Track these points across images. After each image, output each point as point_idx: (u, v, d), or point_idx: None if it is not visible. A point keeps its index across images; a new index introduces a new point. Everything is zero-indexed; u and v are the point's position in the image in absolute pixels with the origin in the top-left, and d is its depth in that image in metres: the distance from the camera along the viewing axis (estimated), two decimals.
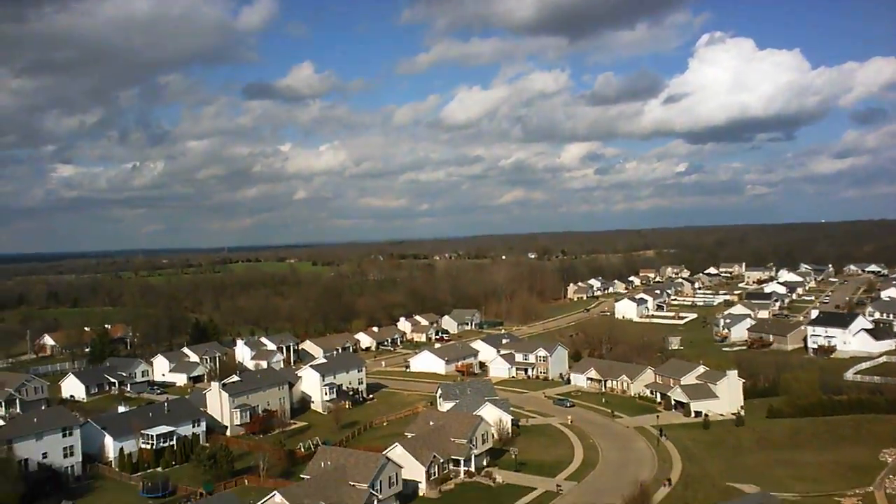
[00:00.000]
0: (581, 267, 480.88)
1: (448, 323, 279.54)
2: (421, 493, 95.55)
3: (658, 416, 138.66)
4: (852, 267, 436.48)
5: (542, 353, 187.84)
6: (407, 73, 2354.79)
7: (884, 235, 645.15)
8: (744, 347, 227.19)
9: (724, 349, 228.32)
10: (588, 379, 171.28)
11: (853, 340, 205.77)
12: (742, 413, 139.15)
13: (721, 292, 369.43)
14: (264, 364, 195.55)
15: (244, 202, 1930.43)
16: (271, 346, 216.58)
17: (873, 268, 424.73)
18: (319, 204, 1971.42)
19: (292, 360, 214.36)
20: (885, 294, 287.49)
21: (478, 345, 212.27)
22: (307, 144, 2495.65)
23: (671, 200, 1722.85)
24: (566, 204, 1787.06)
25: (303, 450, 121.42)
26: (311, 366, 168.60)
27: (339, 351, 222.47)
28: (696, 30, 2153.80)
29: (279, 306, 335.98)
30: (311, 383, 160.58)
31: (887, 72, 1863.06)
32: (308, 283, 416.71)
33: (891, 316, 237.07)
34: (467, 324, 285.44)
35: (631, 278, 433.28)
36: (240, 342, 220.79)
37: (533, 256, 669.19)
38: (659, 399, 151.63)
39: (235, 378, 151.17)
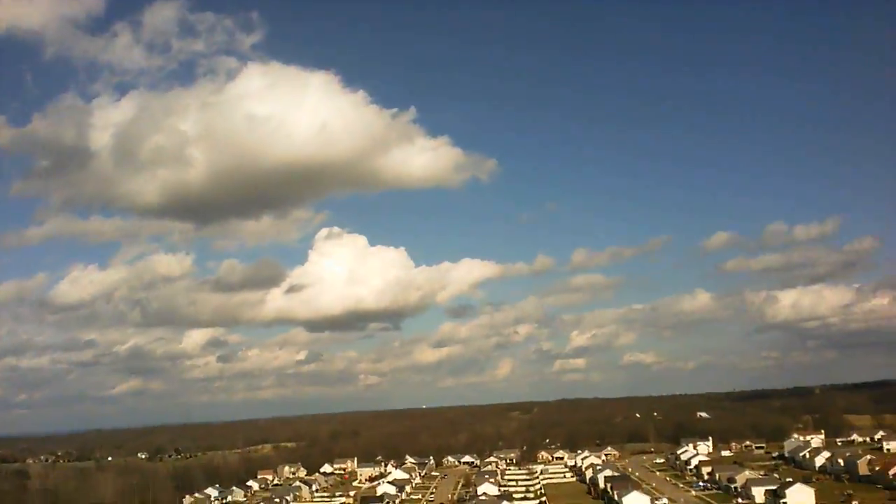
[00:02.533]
0: (196, 470, 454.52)
1: None
2: None
3: None
4: (450, 458, 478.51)
5: None
6: (13, 246, 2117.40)
7: (474, 424, 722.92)
8: None
9: None
10: None
11: None
12: None
13: (337, 494, 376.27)
14: None
15: None
16: None
17: (467, 458, 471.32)
18: None
19: None
20: (481, 490, 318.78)
21: None
22: None
23: (292, 389, 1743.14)
24: (186, 394, 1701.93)
25: None
26: None
27: None
28: (315, 225, 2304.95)
29: None
30: None
31: (475, 272, 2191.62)
32: None
33: None
34: None
35: (249, 483, 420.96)
36: None
37: (143, 457, 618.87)
38: None
39: None
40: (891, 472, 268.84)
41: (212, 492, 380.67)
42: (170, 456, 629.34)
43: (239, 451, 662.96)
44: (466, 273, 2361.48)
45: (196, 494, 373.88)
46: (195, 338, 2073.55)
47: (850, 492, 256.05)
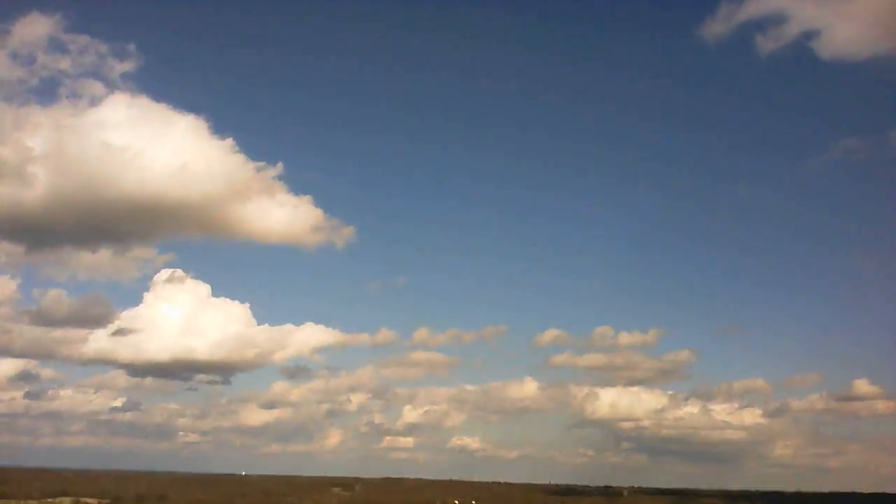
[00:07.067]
0: None
1: None
2: None
3: None
4: None
5: None
6: None
7: (292, 498, 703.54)
8: None
9: None
10: None
11: None
12: None
13: None
14: None
15: None
16: None
17: None
18: None
19: None
20: None
21: None
22: None
23: (103, 439, 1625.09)
24: None
25: None
26: None
27: None
28: (158, 265, 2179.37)
29: None
30: None
31: (317, 337, 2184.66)
32: None
33: None
34: None
35: None
36: None
37: None
38: None
39: None
40: None
41: None
42: None
43: (35, 502, 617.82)
44: (308, 337, 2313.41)
45: None
46: (2, 368, 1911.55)
47: None
